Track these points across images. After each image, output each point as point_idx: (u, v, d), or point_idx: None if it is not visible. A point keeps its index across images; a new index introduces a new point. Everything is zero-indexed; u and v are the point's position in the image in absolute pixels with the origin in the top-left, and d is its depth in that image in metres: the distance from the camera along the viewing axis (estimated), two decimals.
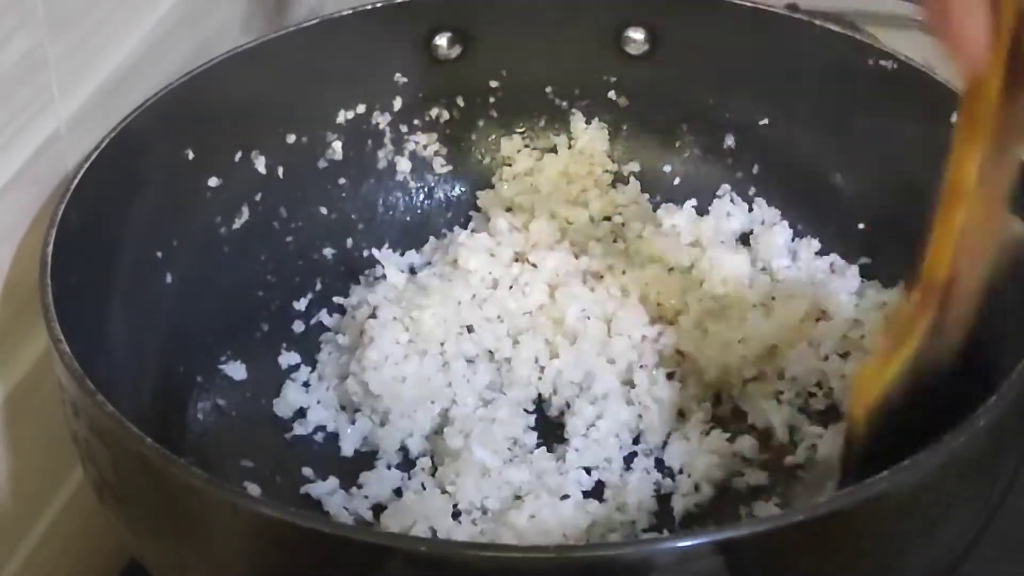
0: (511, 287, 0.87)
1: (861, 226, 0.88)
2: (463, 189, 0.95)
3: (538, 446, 0.80)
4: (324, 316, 0.89)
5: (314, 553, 0.58)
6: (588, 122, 0.94)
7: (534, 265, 0.88)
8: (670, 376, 0.82)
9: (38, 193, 0.75)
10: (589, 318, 0.85)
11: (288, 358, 0.86)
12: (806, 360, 0.83)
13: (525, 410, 0.82)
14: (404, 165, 0.93)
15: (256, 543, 0.60)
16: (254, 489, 0.77)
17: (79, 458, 0.70)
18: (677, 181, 0.94)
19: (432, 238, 0.93)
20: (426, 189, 0.94)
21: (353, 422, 0.82)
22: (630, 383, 0.82)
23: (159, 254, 0.82)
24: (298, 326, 0.88)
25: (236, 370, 0.85)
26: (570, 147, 0.94)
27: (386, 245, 0.92)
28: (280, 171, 0.88)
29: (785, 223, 0.90)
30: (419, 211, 0.94)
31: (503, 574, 0.57)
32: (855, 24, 0.93)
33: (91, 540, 0.80)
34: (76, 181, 0.75)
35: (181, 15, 0.84)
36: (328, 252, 0.91)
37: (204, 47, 0.86)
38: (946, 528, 0.64)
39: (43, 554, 0.77)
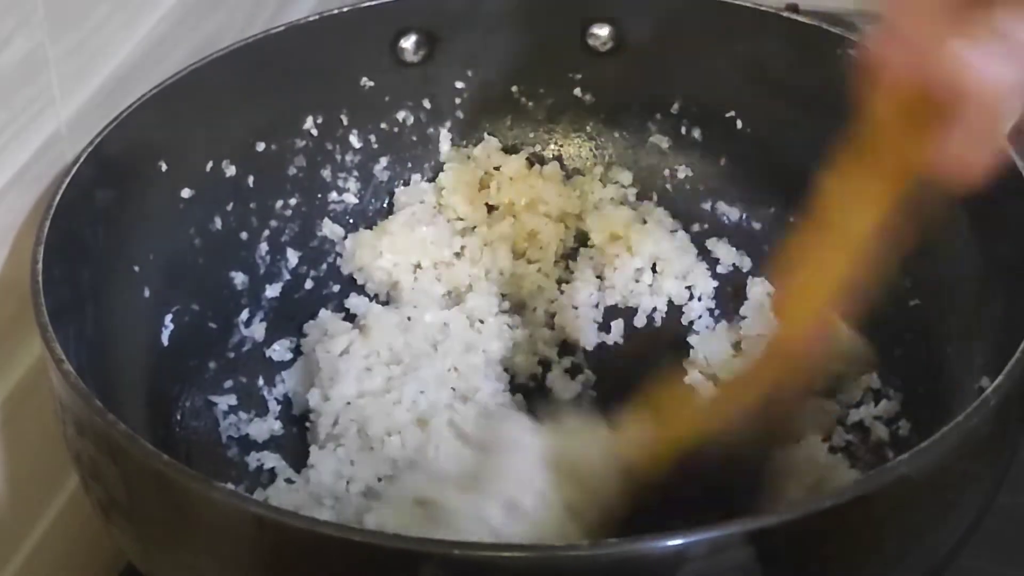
0: None
1: None
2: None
3: None
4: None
5: (342, 562, 0.58)
6: (553, 121, 0.94)
7: None
8: None
9: (38, 193, 0.74)
10: None
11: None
12: None
13: None
14: (373, 169, 0.93)
15: (282, 555, 0.60)
16: None
17: (80, 478, 0.69)
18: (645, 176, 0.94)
19: None
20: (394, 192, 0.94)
21: None
22: None
23: (136, 268, 0.81)
24: (275, 336, 0.88)
25: (217, 384, 0.84)
26: None
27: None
28: (250, 180, 0.87)
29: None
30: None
31: (532, 572, 0.57)
32: (855, 24, 0.93)
33: (89, 543, 0.79)
34: (58, 197, 0.74)
35: (181, 15, 0.84)
36: (296, 258, 0.90)
37: (204, 47, 0.85)
38: (959, 508, 0.65)
39: (41, 557, 0.77)
